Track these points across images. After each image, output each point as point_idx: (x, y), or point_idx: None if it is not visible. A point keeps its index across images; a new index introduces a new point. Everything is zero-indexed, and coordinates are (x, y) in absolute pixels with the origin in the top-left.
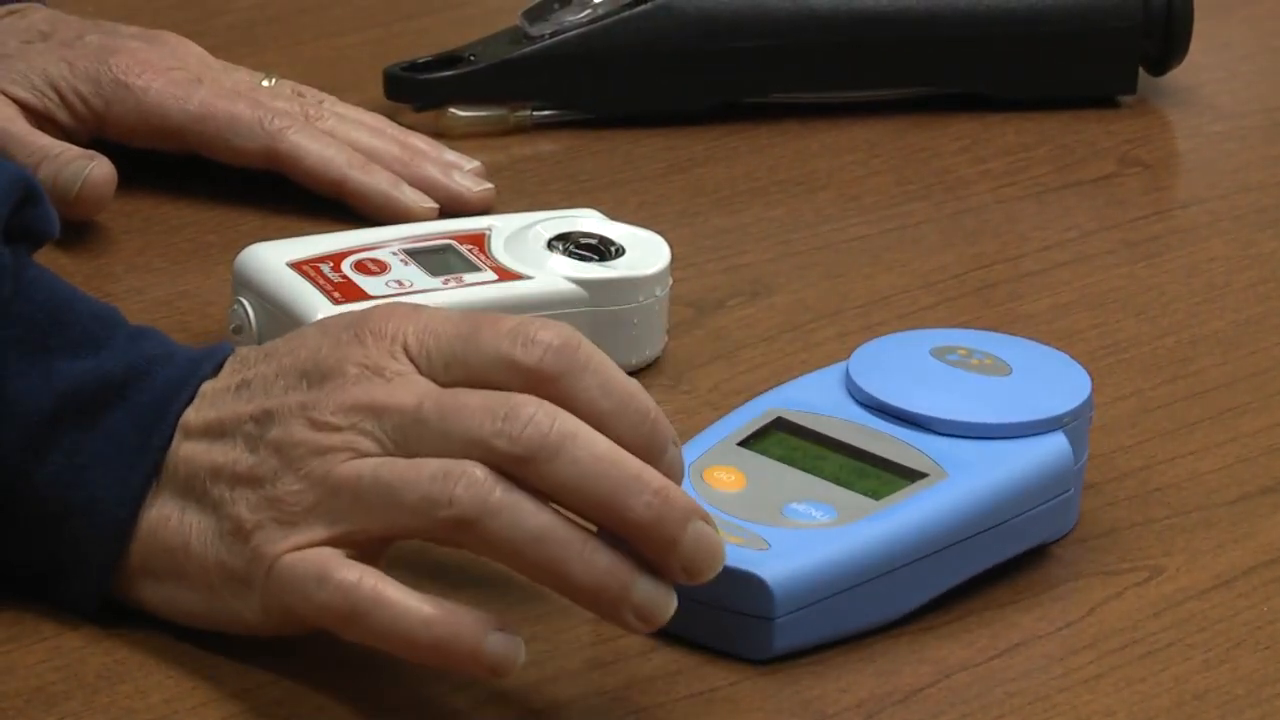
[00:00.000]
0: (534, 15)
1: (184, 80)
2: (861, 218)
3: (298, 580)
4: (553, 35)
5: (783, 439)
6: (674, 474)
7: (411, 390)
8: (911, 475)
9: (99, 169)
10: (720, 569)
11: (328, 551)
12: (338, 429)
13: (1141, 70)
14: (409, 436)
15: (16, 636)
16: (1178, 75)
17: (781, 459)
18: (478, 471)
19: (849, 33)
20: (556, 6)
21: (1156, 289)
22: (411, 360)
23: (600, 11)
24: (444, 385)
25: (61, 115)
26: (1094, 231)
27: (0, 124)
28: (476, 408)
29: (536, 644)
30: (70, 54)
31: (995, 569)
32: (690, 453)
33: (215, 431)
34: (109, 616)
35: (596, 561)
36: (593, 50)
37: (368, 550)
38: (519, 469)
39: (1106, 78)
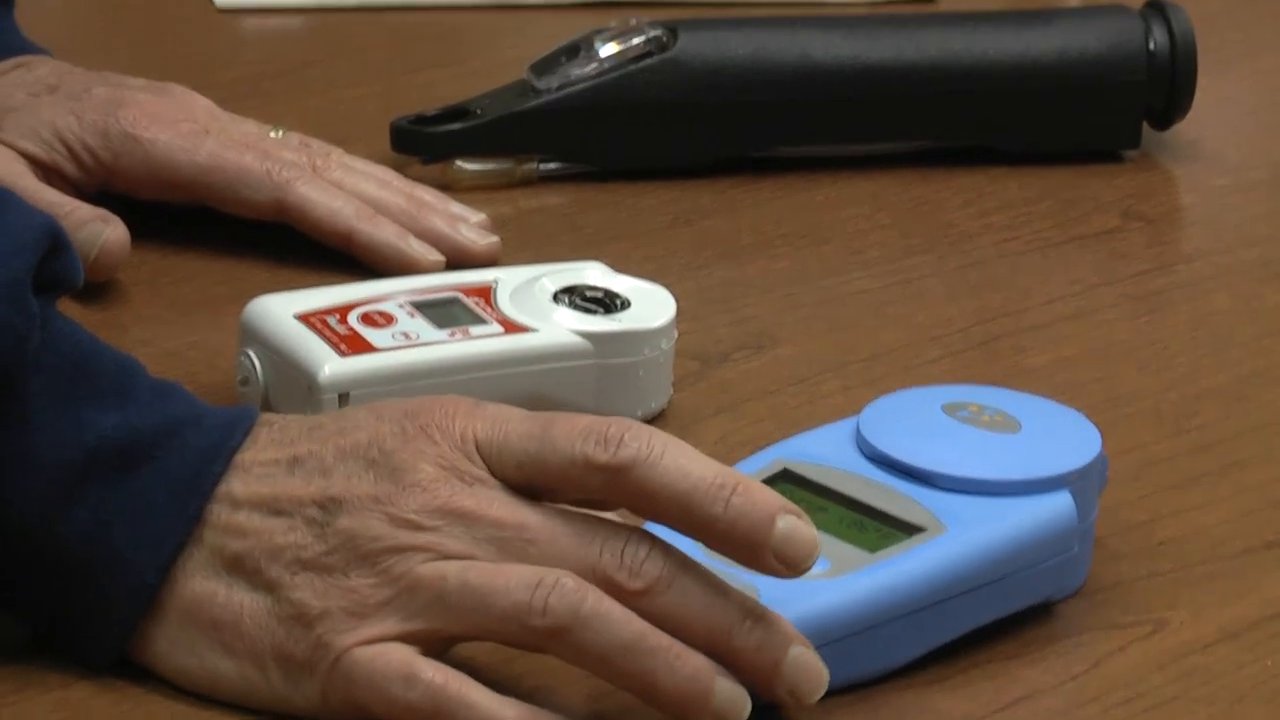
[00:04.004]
0: (541, 69)
1: (192, 132)
2: (866, 271)
3: (377, 677)
4: (559, 89)
5: (788, 489)
6: (789, 548)
7: (502, 503)
8: (909, 529)
9: (114, 233)
10: (824, 689)
11: (405, 649)
12: (422, 528)
13: (1145, 124)
14: (509, 550)
15: (22, 688)
16: (1181, 129)
17: None
18: (569, 581)
19: (853, 87)
20: (563, 60)
21: (1160, 343)
22: (483, 458)
23: (606, 65)
24: (514, 484)
25: (69, 168)
26: (1097, 285)
27: (9, 179)
28: (594, 536)
29: (534, 679)
30: (78, 106)
31: (1000, 622)
32: None
33: (269, 508)
34: (116, 668)
35: (680, 669)
36: (599, 104)
37: (435, 647)
38: (632, 598)
39: (1110, 132)
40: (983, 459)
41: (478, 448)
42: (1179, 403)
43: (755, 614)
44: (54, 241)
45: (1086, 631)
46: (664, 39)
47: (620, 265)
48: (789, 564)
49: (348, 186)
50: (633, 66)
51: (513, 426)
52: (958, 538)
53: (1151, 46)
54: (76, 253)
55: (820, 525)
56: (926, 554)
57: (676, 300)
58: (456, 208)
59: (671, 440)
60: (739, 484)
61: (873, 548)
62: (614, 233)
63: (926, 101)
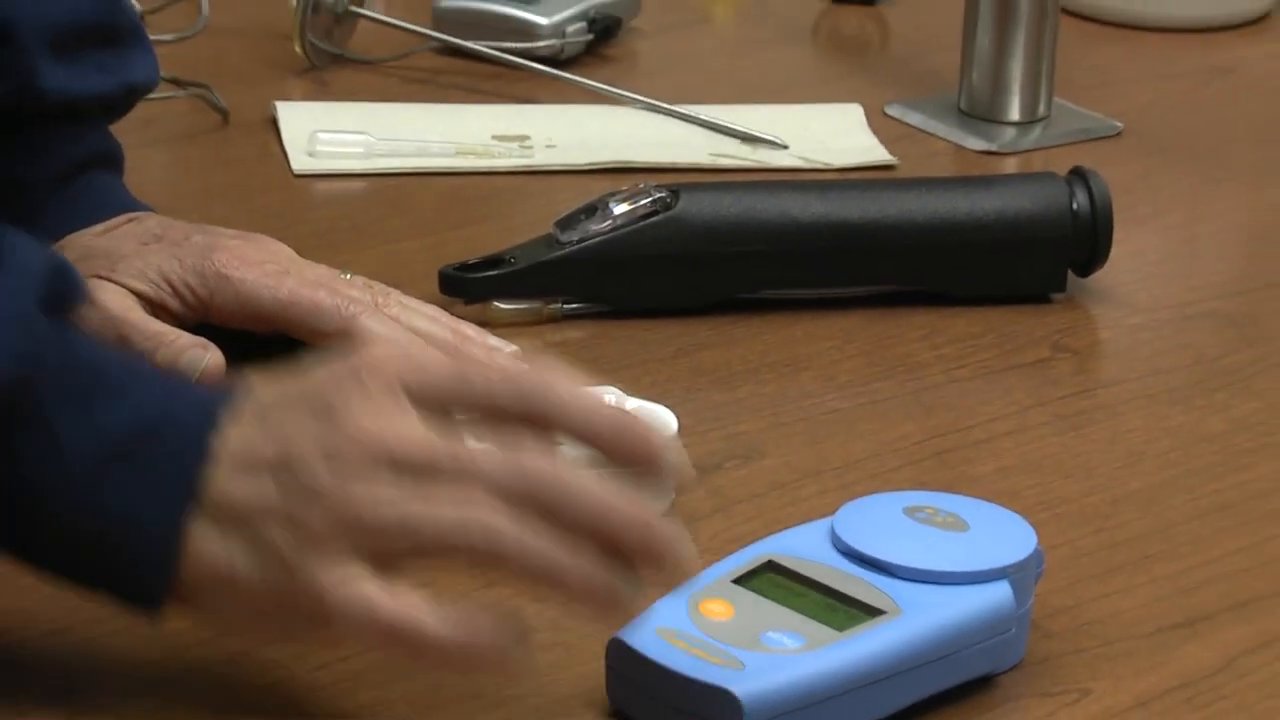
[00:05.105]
0: (565, 224)
1: (275, 272)
2: (838, 394)
3: (347, 610)
4: (580, 242)
5: (771, 579)
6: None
7: (423, 436)
8: (873, 612)
9: (213, 358)
10: (681, 560)
11: (369, 584)
12: (358, 469)
13: (1070, 272)
14: (437, 477)
15: None
16: (1101, 276)
17: (766, 595)
18: (488, 507)
19: (827, 240)
20: (583, 217)
21: (1084, 455)
22: (410, 398)
23: (620, 222)
24: (440, 420)
25: (173, 304)
26: (1031, 406)
27: (121, 313)
28: (492, 457)
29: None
30: (179, 252)
31: (948, 690)
32: (691, 587)
33: (244, 468)
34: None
35: (585, 569)
36: (614, 254)
37: (386, 572)
38: (532, 506)
39: (1041, 278)
40: (936, 553)
41: (406, 389)
42: (1100, 506)
43: (637, 512)
44: (57, 269)
45: (1022, 699)
46: (668, 200)
47: (631, 389)
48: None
49: (403, 321)
50: (641, 223)
51: (435, 369)
52: (912, 620)
53: (1075, 207)
54: (171, 355)
55: (798, 608)
56: (886, 633)
57: (677, 418)
58: (494, 341)
59: (562, 376)
60: (617, 412)
61: (841, 627)
62: (625, 362)
63: (888, 252)
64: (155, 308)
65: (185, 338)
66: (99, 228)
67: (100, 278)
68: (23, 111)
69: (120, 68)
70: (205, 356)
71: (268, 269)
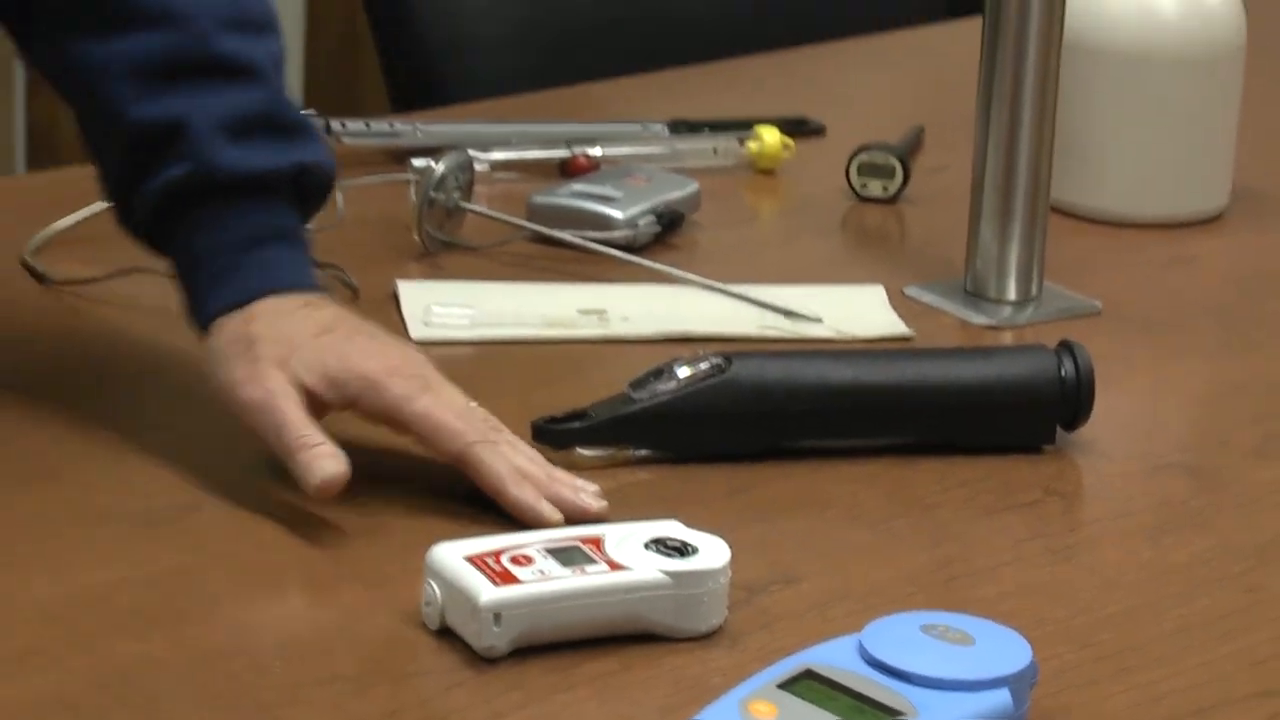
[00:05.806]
0: (637, 385)
1: (416, 388)
2: (864, 529)
3: None
4: (650, 399)
5: (809, 684)
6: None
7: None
8: (893, 713)
9: (338, 470)
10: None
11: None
12: None
13: (1059, 427)
14: None
15: None
16: (1084, 432)
17: (805, 698)
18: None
19: (855, 399)
20: (652, 379)
21: (1069, 582)
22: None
23: (684, 383)
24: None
25: (329, 396)
26: (1026, 540)
27: (282, 401)
28: None
29: None
30: (344, 350)
31: None
32: (742, 690)
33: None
34: None
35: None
36: (679, 410)
37: None
38: None
39: (1034, 432)
40: (947, 664)
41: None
42: (1084, 625)
43: None
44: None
45: None
46: (723, 365)
47: (691, 523)
48: None
49: (508, 458)
50: (701, 384)
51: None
52: None
53: (1063, 373)
54: (300, 485)
55: (832, 709)
56: None
57: (730, 548)
58: (578, 481)
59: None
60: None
61: None
62: (686, 500)
63: (906, 410)
64: (314, 398)
65: (326, 445)
66: (294, 300)
67: (275, 363)
68: (202, 188)
69: (290, 149)
70: (333, 468)
71: (411, 385)
